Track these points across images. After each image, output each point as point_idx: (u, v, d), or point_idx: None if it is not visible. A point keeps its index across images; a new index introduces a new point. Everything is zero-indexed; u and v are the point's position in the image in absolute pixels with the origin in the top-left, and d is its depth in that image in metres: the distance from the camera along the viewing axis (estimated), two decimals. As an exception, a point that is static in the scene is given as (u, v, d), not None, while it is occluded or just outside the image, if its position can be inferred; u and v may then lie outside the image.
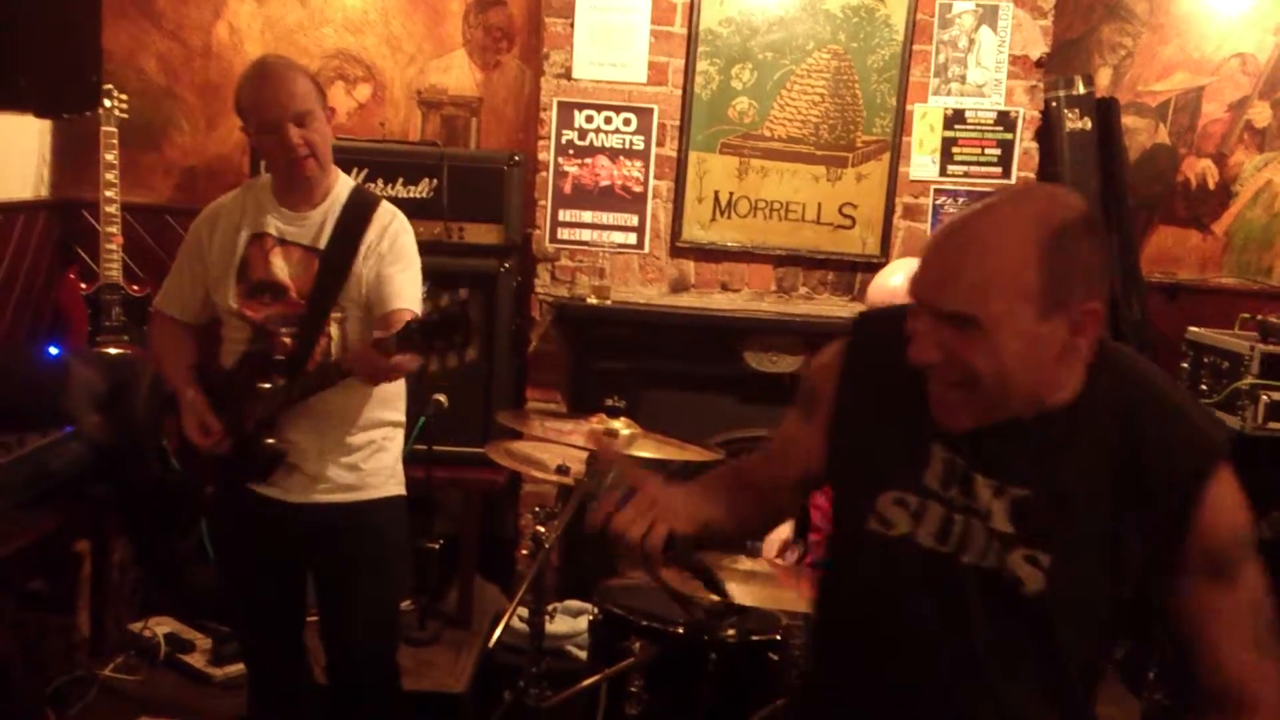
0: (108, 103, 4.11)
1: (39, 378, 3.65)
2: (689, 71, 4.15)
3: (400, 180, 3.91)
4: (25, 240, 4.20)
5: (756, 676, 2.71)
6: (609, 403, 2.89)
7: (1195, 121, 4.58)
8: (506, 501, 4.34)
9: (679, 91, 4.18)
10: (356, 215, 2.65)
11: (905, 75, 4.17)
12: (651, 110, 4.18)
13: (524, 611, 2.98)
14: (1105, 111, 4.38)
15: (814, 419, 1.73)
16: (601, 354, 4.20)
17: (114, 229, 4.11)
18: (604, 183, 4.22)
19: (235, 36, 4.43)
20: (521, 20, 4.45)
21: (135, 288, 4.15)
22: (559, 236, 4.25)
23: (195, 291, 2.76)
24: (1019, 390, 1.48)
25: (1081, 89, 4.30)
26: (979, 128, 4.22)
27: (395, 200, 2.80)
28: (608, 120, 4.19)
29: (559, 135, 4.20)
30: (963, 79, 4.19)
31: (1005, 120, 4.21)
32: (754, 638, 2.72)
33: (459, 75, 4.49)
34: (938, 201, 4.25)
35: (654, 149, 4.20)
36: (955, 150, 4.23)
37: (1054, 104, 4.28)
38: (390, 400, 2.74)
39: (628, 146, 4.20)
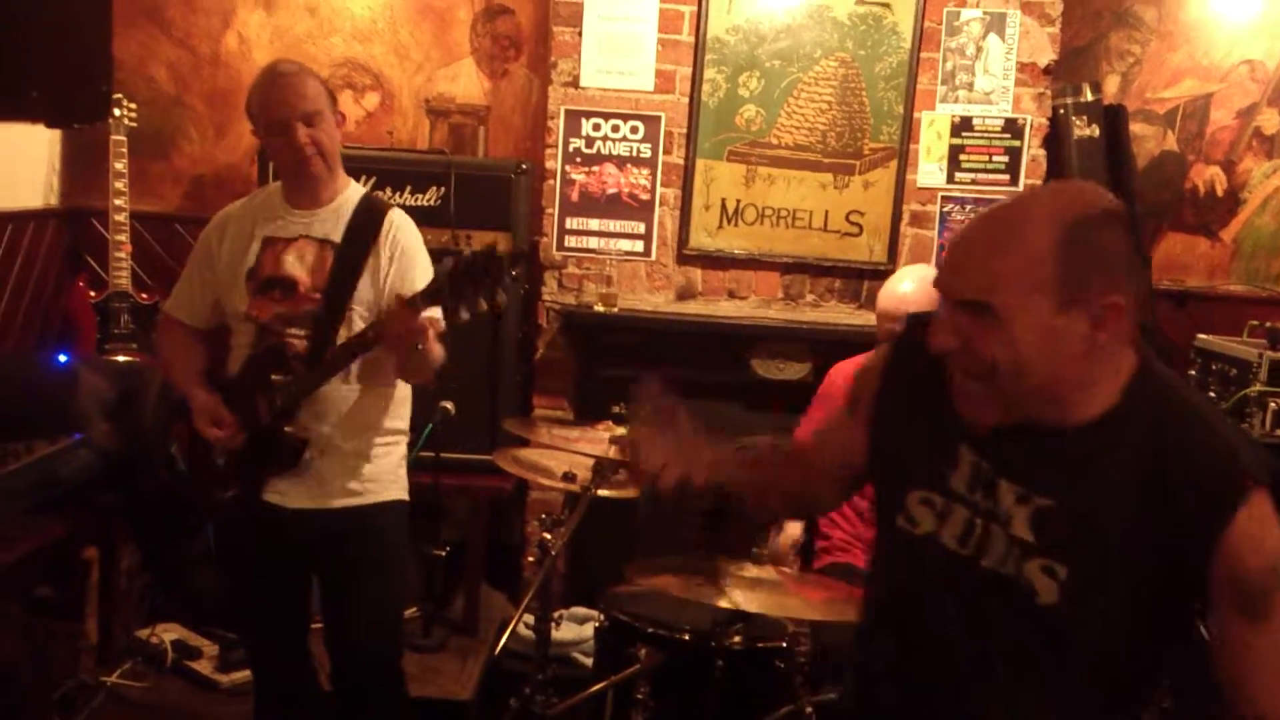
0: (117, 111, 4.12)
1: (48, 385, 3.66)
2: (696, 79, 4.16)
3: (408, 188, 3.92)
4: (35, 248, 4.22)
5: (763, 683, 2.70)
6: (616, 410, 2.89)
7: (1204, 128, 4.58)
8: (513, 509, 4.34)
9: (686, 99, 4.18)
10: (368, 219, 2.67)
11: (912, 83, 4.17)
12: (659, 118, 4.19)
13: (530, 618, 2.99)
14: (1113, 118, 4.37)
15: (857, 415, 1.77)
16: (608, 361, 4.20)
17: (123, 237, 4.12)
18: (611, 190, 4.23)
19: (244, 45, 4.44)
20: (529, 29, 4.46)
21: (144, 296, 4.16)
22: (566, 244, 4.25)
23: (205, 297, 2.78)
24: (1037, 383, 1.48)
25: (1089, 96, 4.30)
26: (986, 135, 4.21)
27: (403, 208, 2.80)
28: (615, 128, 4.20)
29: (566, 143, 4.20)
30: (970, 86, 4.19)
31: (1013, 127, 4.21)
32: (760, 645, 2.72)
33: (467, 84, 4.50)
34: (945, 209, 4.24)
35: (661, 157, 4.20)
36: (963, 158, 4.22)
37: (1062, 111, 4.27)
38: (395, 407, 2.75)
39: (635, 154, 4.21)
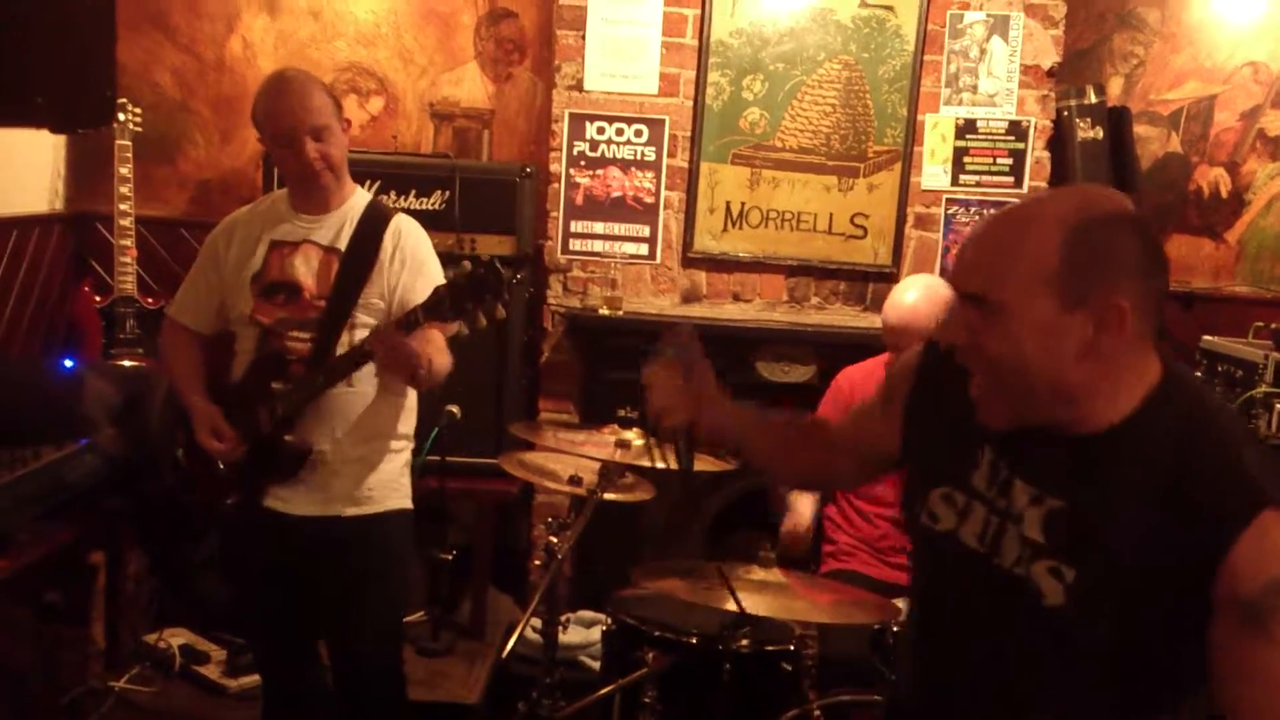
0: (122, 116, 4.13)
1: (54, 391, 3.66)
2: (700, 83, 4.16)
3: (412, 192, 3.93)
4: (40, 253, 4.23)
5: (770, 687, 2.70)
6: (621, 413, 2.89)
7: (1207, 130, 4.58)
8: (519, 512, 4.34)
9: (690, 103, 4.18)
10: (374, 225, 2.67)
11: (916, 85, 4.17)
12: (663, 121, 4.19)
13: (537, 622, 2.99)
14: (1117, 120, 4.37)
15: (890, 409, 1.79)
16: (613, 365, 4.19)
17: (128, 242, 4.13)
18: (615, 194, 4.23)
19: (249, 50, 4.45)
20: (533, 32, 4.47)
21: (149, 300, 4.17)
22: (571, 248, 4.26)
23: (209, 301, 2.78)
24: (1039, 384, 1.47)
25: (1093, 98, 4.30)
26: (990, 137, 4.21)
27: (408, 212, 2.81)
28: (619, 131, 4.20)
29: (570, 147, 4.21)
30: (974, 89, 4.19)
31: (1017, 130, 4.21)
32: (767, 648, 2.72)
33: (471, 87, 4.51)
34: (949, 211, 4.24)
35: (665, 160, 4.21)
36: (967, 160, 4.23)
37: (1065, 113, 4.27)
38: (400, 413, 2.75)
39: (639, 158, 4.21)
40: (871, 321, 4.20)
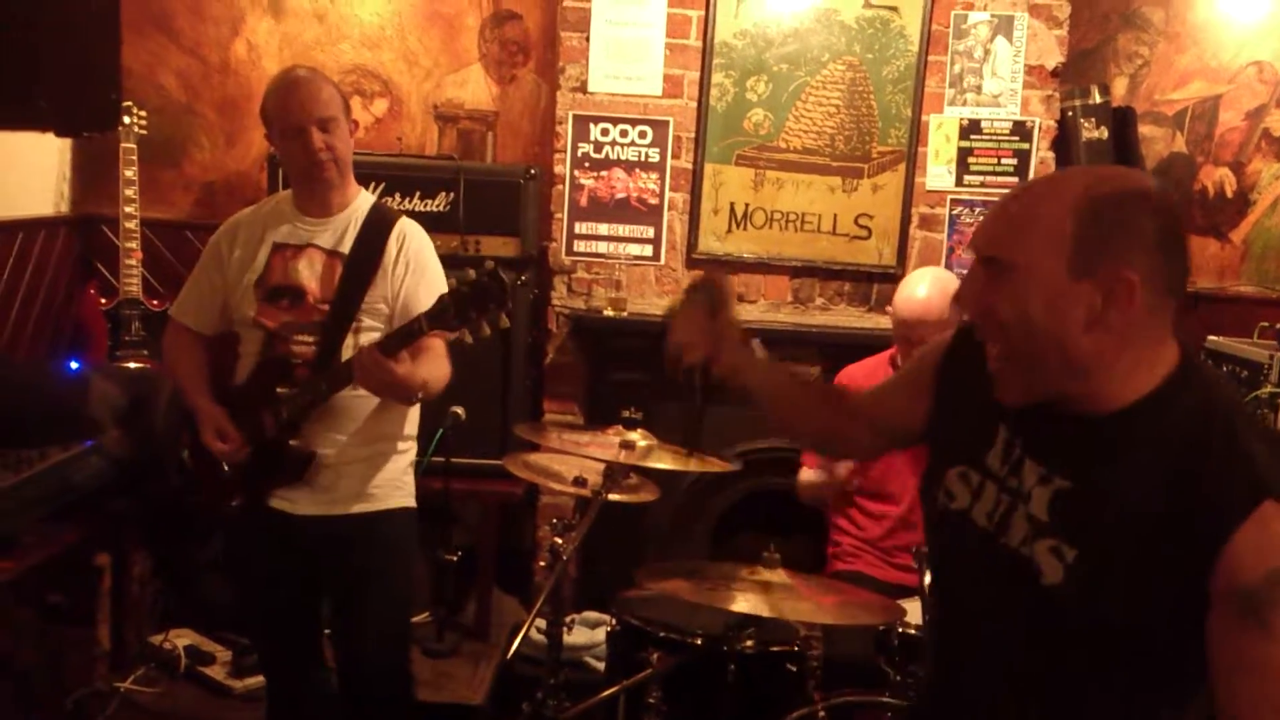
0: (127, 119, 4.13)
1: (60, 392, 3.67)
2: (704, 84, 4.16)
3: (417, 194, 3.93)
4: (46, 256, 4.24)
5: (775, 687, 2.70)
6: (626, 414, 2.89)
7: (1212, 130, 4.57)
8: (524, 513, 4.35)
9: (694, 104, 4.19)
10: (378, 229, 2.68)
11: (920, 86, 4.17)
12: (667, 123, 4.19)
13: (542, 623, 2.98)
14: (1121, 120, 4.36)
15: (916, 387, 1.82)
16: (618, 366, 4.20)
17: (133, 244, 4.14)
18: (620, 195, 4.23)
19: (253, 53, 4.46)
20: (537, 34, 4.47)
21: (155, 303, 4.17)
22: (575, 249, 4.26)
23: (213, 301, 2.78)
24: (1048, 351, 1.48)
25: (1098, 98, 4.28)
26: (995, 138, 4.21)
27: (412, 214, 2.82)
28: (623, 133, 4.20)
29: (575, 148, 4.21)
30: (978, 89, 4.19)
31: (1021, 130, 4.21)
32: (772, 649, 2.72)
33: (475, 89, 4.51)
34: (954, 212, 4.24)
35: (669, 161, 4.21)
36: (971, 160, 4.22)
37: (1070, 113, 4.26)
38: (404, 413, 2.75)
39: (643, 159, 4.21)
40: (876, 322, 4.20)
